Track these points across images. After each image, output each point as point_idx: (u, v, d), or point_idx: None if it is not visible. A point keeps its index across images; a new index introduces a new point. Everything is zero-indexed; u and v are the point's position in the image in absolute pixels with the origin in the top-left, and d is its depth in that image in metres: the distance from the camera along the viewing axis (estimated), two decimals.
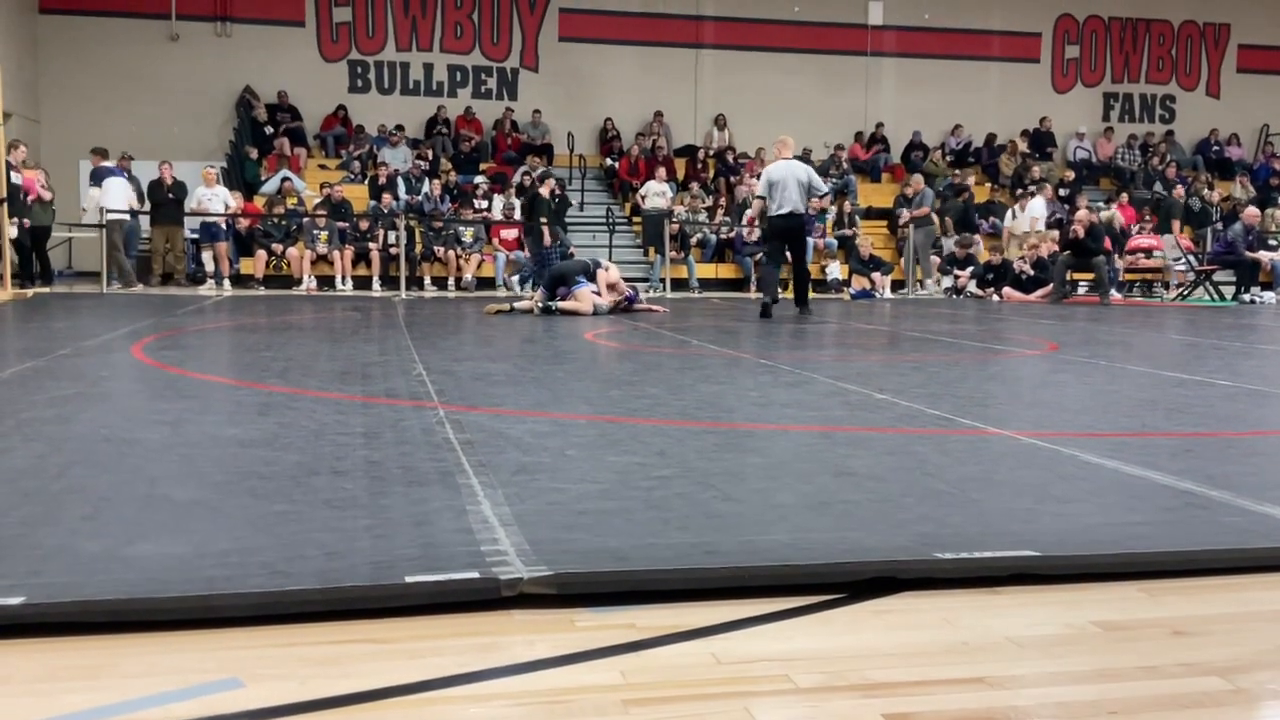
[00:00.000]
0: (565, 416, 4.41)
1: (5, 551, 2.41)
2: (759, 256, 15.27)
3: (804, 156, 18.99)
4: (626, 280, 12.00)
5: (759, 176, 12.35)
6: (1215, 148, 21.78)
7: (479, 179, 17.79)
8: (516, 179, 17.65)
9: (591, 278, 10.84)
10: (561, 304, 10.50)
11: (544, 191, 15.13)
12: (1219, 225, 18.14)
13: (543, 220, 14.71)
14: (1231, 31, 22.37)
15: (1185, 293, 16.03)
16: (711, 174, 18.88)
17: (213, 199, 15.23)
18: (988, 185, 19.67)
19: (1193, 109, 22.40)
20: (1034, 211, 16.81)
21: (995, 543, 2.59)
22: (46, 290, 13.63)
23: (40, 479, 3.14)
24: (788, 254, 11.35)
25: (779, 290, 11.56)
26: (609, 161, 19.29)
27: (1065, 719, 1.78)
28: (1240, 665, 2.00)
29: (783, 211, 10.91)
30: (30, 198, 14.42)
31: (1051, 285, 14.80)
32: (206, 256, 15.21)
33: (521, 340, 8.04)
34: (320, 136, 18.91)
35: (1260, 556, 2.58)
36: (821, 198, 14.75)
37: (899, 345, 8.35)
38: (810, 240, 16.47)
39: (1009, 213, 17.50)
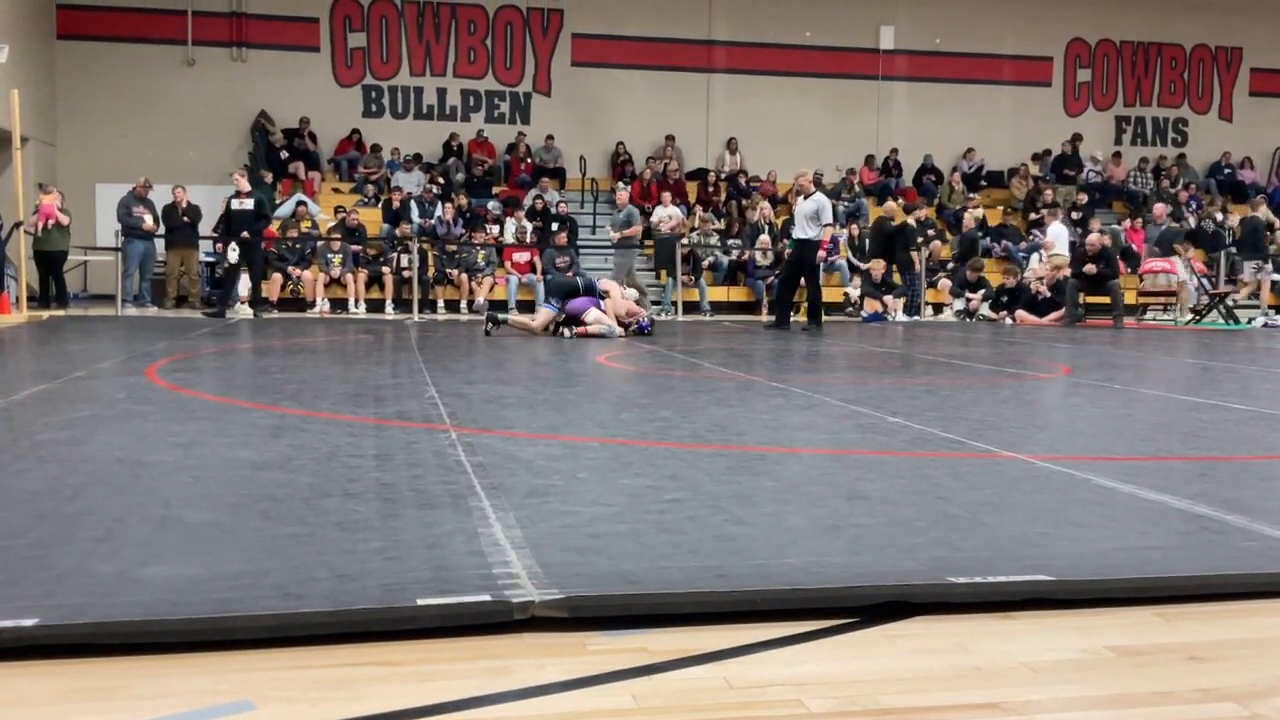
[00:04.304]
0: (577, 439, 4.41)
1: (19, 573, 2.41)
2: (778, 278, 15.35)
3: (817, 180, 19.12)
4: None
5: (805, 197, 12.52)
6: (1228, 171, 21.75)
7: (491, 203, 17.85)
8: (528, 202, 17.72)
9: (586, 294, 10.85)
10: (518, 318, 10.78)
11: (913, 220, 15.66)
12: (1233, 250, 18.08)
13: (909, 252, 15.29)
14: (1244, 55, 22.36)
15: (1200, 316, 15.97)
16: (723, 197, 18.91)
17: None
18: (999, 209, 19.67)
19: (1205, 132, 22.37)
20: (1052, 234, 16.31)
21: (1009, 567, 2.57)
22: (62, 313, 13.70)
23: (54, 501, 3.16)
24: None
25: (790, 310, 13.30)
26: (621, 185, 19.32)
27: None
28: (1257, 691, 1.99)
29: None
30: (50, 222, 14.56)
31: (1065, 309, 14.76)
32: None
33: (533, 363, 8.05)
34: (334, 160, 19.02)
35: (1277, 581, 2.56)
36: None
37: (911, 368, 8.33)
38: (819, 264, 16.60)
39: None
